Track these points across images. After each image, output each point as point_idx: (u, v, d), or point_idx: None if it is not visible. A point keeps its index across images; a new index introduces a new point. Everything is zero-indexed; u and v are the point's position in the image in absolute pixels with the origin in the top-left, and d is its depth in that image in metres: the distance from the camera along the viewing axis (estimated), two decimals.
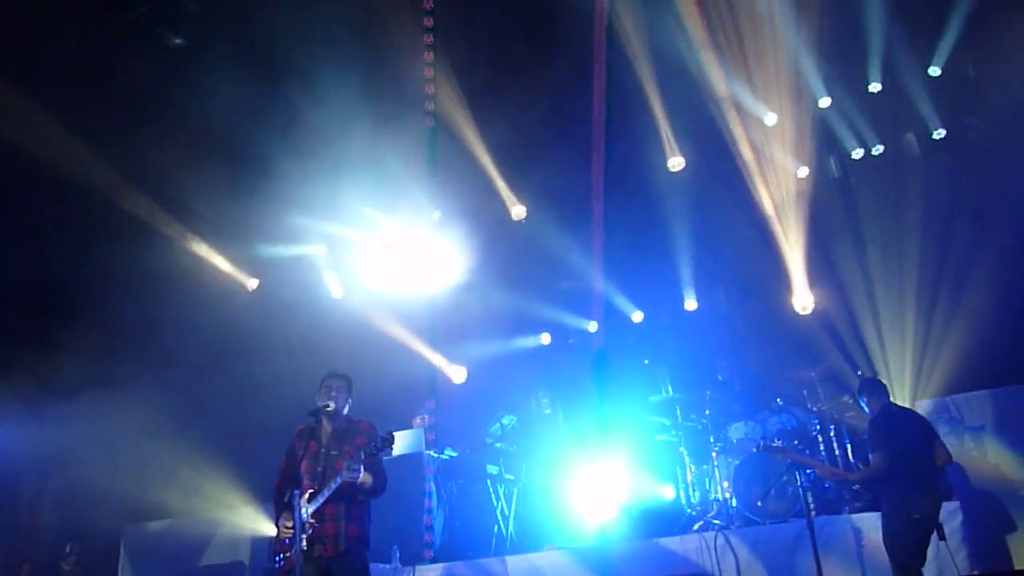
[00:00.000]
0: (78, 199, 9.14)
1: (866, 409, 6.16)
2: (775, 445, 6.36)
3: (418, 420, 8.98)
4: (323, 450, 5.22)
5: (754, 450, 6.90)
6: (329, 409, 5.24)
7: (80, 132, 8.84)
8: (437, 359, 10.57)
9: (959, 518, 6.15)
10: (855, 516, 6.47)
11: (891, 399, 6.25)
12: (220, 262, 10.94)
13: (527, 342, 10.54)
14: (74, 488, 10.40)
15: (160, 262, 10.27)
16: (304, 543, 4.90)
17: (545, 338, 10.47)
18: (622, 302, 10.09)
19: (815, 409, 7.59)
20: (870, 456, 5.93)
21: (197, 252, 10.71)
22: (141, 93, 8.64)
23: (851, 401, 7.69)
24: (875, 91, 8.99)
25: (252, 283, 11.24)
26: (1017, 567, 6.50)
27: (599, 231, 9.17)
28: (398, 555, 7.71)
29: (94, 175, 9.09)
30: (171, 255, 10.39)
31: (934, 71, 8.79)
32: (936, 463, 5.83)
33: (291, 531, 4.93)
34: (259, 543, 9.15)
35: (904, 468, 5.67)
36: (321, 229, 10.92)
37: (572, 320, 10.25)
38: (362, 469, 4.95)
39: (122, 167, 9.33)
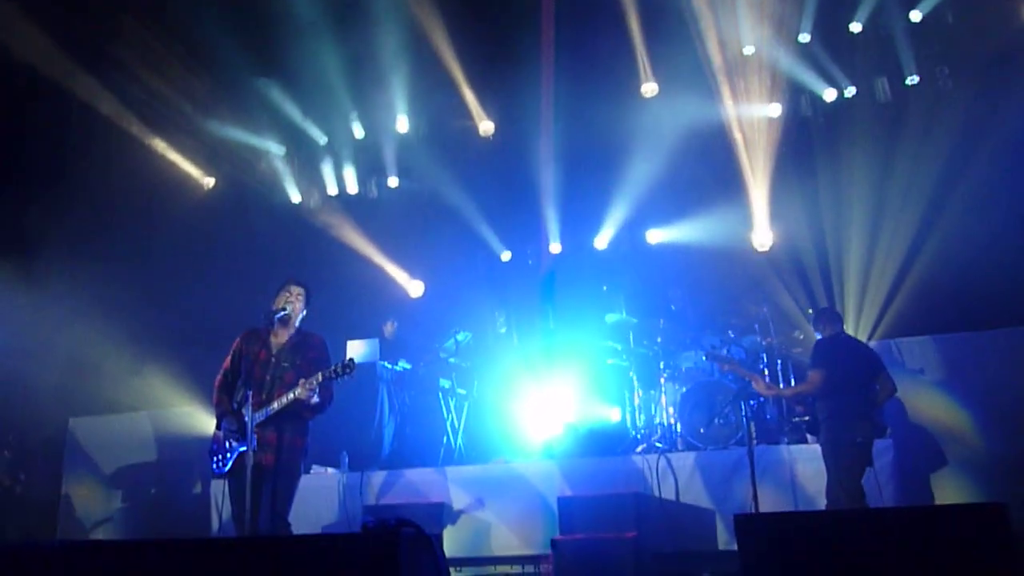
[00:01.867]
0: (38, 84, 8.69)
1: (817, 335, 6.30)
2: (722, 354, 6.52)
3: (388, 327, 8.99)
4: (273, 359, 5.16)
5: (703, 357, 7.12)
6: (283, 314, 5.17)
7: (46, 24, 8.37)
8: (395, 271, 10.53)
9: (891, 454, 6.43)
10: (793, 447, 6.73)
11: (842, 328, 6.40)
12: (177, 158, 10.62)
13: (487, 259, 10.50)
14: (17, 379, 10.24)
15: (116, 156, 9.93)
16: (243, 447, 4.88)
17: (505, 255, 10.45)
18: (587, 227, 10.07)
19: (764, 343, 7.77)
20: (808, 373, 6.12)
21: (155, 147, 10.37)
22: None
23: (800, 337, 7.90)
24: (855, 31, 8.91)
25: (208, 181, 10.96)
26: (930, 500, 6.85)
27: (548, 150, 9.11)
28: (347, 461, 7.82)
29: (55, 65, 8.62)
30: (128, 149, 10.04)
31: (915, 16, 8.73)
32: (880, 396, 6.01)
33: (235, 433, 4.92)
34: (206, 442, 9.17)
35: (844, 393, 5.83)
36: (282, 129, 10.65)
37: (535, 241, 10.23)
38: (316, 391, 4.93)
39: (84, 61, 8.88)
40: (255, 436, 4.88)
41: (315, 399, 4.97)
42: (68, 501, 9.52)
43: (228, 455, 5.01)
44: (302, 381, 4.92)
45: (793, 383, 7.54)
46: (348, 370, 4.90)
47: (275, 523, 4.91)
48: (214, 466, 5.10)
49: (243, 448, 4.86)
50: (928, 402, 7.20)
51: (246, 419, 4.85)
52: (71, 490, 9.54)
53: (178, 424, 9.60)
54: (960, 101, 8.49)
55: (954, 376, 7.24)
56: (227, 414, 5.07)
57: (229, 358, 5.25)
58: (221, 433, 5.11)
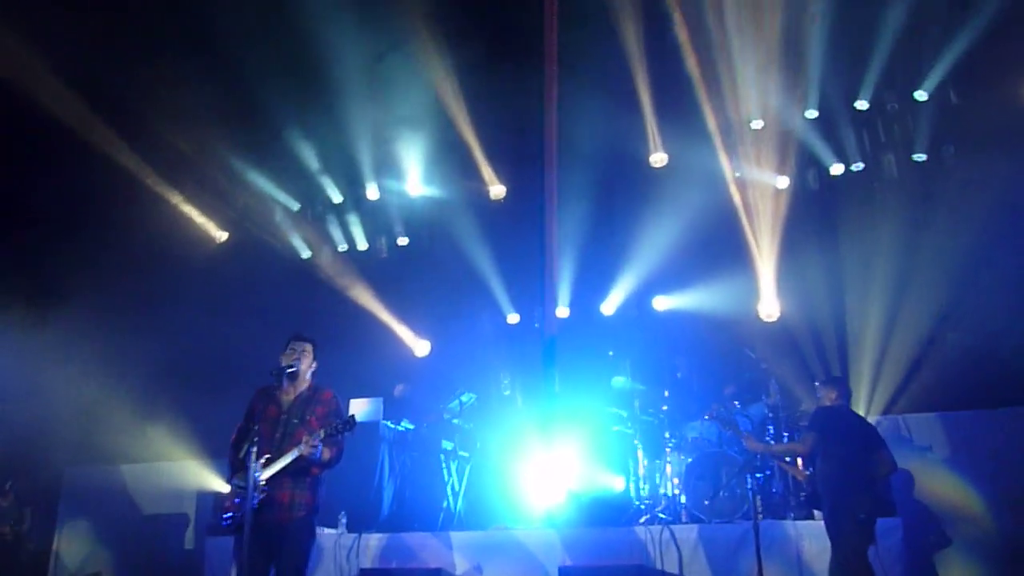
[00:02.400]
0: (52, 131, 8.88)
1: (821, 401, 6.24)
2: (721, 412, 6.49)
3: (399, 388, 8.98)
4: (283, 416, 5.15)
5: (705, 417, 7.04)
6: (291, 371, 5.18)
7: (60, 67, 8.61)
8: (402, 330, 10.55)
9: (899, 534, 6.30)
10: (800, 523, 6.60)
11: (849, 403, 6.35)
12: (190, 211, 10.75)
13: (494, 320, 10.53)
14: (17, 425, 10.19)
15: (132, 207, 10.07)
16: (252, 504, 4.86)
17: (513, 318, 10.47)
18: (594, 293, 10.12)
19: (771, 415, 7.69)
20: (802, 434, 6.04)
21: (167, 199, 10.51)
22: (131, 31, 8.40)
23: (807, 409, 7.83)
24: (861, 109, 9.08)
25: (220, 235, 11.08)
26: None
27: (552, 216, 9.20)
28: (345, 521, 7.70)
29: (77, 117, 8.84)
30: (138, 200, 10.19)
31: (921, 95, 8.91)
32: (880, 471, 5.92)
33: (243, 490, 4.89)
34: (204, 497, 9.09)
35: (842, 468, 5.75)
36: (298, 185, 10.82)
37: (541, 304, 10.26)
38: (321, 447, 4.91)
39: (105, 114, 9.10)
40: (265, 494, 4.86)
41: (321, 455, 4.93)
42: (60, 551, 9.37)
43: (237, 511, 4.96)
44: (305, 438, 4.90)
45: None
46: (348, 427, 4.90)
47: None
48: (224, 522, 5.05)
49: (253, 503, 4.84)
50: (937, 481, 7.11)
51: (253, 475, 4.84)
52: (64, 540, 9.43)
53: (175, 477, 9.53)
54: (966, 179, 8.58)
55: (963, 455, 7.17)
56: (239, 471, 5.04)
57: (244, 415, 5.25)
58: (232, 489, 5.07)
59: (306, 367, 5.28)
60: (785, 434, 7.59)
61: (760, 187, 9.38)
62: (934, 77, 8.66)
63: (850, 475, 5.72)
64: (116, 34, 8.35)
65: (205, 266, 10.53)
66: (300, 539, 5.00)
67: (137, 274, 10.09)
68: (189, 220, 10.79)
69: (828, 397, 6.14)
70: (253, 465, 4.80)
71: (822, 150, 9.43)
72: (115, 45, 8.49)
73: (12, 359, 9.45)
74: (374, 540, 7.40)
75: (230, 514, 5.02)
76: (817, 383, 6.35)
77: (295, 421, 5.12)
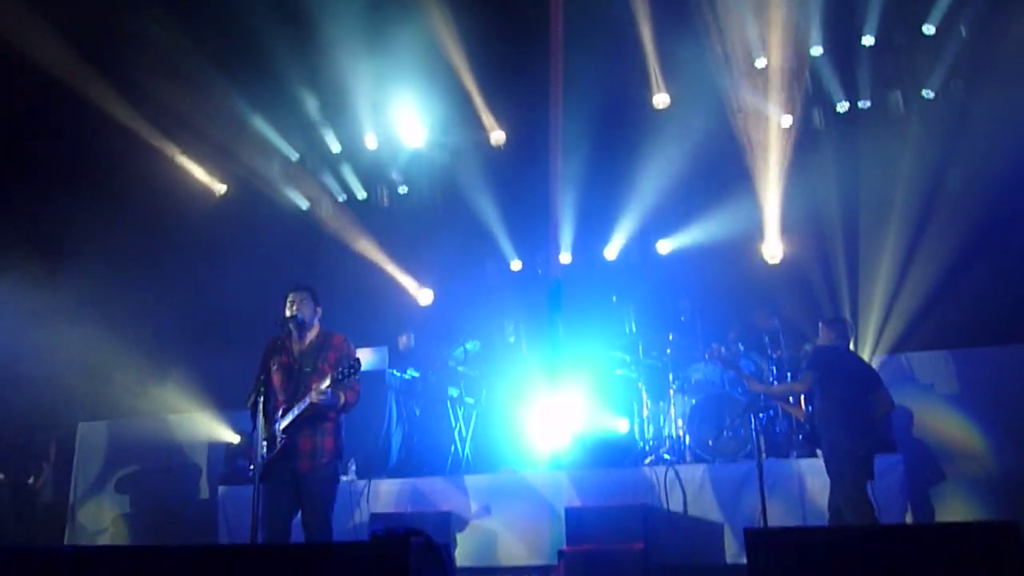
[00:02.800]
0: (51, 89, 8.77)
1: (820, 341, 6.28)
2: (723, 353, 6.54)
3: (403, 339, 9.03)
4: (296, 365, 5.20)
5: (705, 358, 7.10)
6: (297, 319, 5.21)
7: (57, 21, 8.47)
8: (405, 279, 10.56)
9: (900, 470, 6.39)
10: (801, 461, 6.70)
11: (848, 345, 6.37)
12: (190, 165, 10.67)
13: (497, 268, 10.53)
14: (30, 382, 10.30)
15: (125, 161, 9.99)
16: (271, 454, 4.95)
17: (516, 265, 10.47)
18: (597, 238, 10.09)
19: (775, 356, 7.74)
20: (800, 373, 6.10)
21: (166, 152, 10.43)
22: None
23: (811, 350, 7.86)
24: (868, 44, 8.90)
25: (220, 188, 11.03)
26: (939, 516, 6.80)
27: (556, 161, 9.13)
28: (355, 468, 7.83)
29: (73, 71, 8.71)
30: (137, 154, 10.10)
31: (928, 29, 8.71)
32: (877, 410, 5.98)
33: (265, 441, 4.98)
34: (216, 448, 9.22)
35: (841, 404, 5.80)
36: (294, 138, 10.71)
37: (545, 251, 10.24)
38: (330, 392, 4.96)
39: (101, 66, 8.97)
40: (285, 442, 4.94)
41: (334, 400, 4.99)
42: (77, 505, 9.55)
43: (260, 461, 5.04)
44: (315, 386, 4.95)
45: (802, 398, 7.50)
46: (353, 370, 4.93)
47: (321, 528, 4.96)
48: (249, 472, 5.16)
49: (268, 453, 4.94)
50: (939, 418, 7.17)
51: (275, 426, 4.95)
52: (80, 494, 9.58)
53: (187, 430, 9.64)
54: (977, 115, 8.44)
55: (965, 392, 7.21)
56: (259, 422, 5.11)
57: (258, 367, 5.29)
58: (254, 441, 5.15)
59: (310, 314, 5.30)
60: (788, 374, 7.64)
61: (764, 126, 9.25)
62: (941, 9, 8.43)
63: (848, 414, 5.77)
64: None
65: (206, 219, 10.49)
66: (325, 487, 5.09)
67: (140, 229, 10.06)
68: (188, 174, 10.71)
69: (827, 337, 6.16)
70: (266, 417, 4.88)
71: (828, 87, 9.28)
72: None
73: (21, 317, 9.50)
74: (384, 485, 7.54)
75: (254, 464, 5.10)
76: (821, 323, 6.36)
77: (307, 369, 5.16)
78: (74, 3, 8.22)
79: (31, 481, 9.71)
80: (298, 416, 5.00)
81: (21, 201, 9.85)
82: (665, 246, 9.96)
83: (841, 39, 9.00)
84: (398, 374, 8.64)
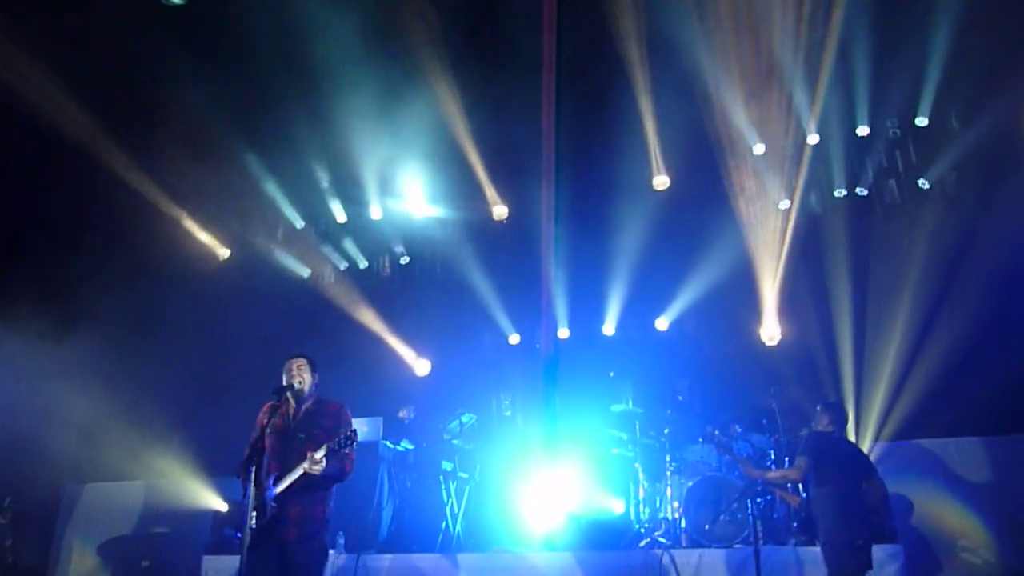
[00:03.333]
0: (62, 149, 8.96)
1: (815, 426, 6.23)
2: (717, 437, 6.47)
3: (403, 412, 8.96)
4: (290, 431, 5.15)
5: (700, 440, 7.02)
6: (295, 388, 5.18)
7: (71, 86, 8.73)
8: (403, 349, 10.55)
9: (900, 561, 6.26)
10: (800, 549, 6.55)
11: (844, 432, 6.33)
12: (194, 228, 10.78)
13: (495, 341, 10.53)
14: (15, 441, 10.17)
15: (128, 220, 10.10)
16: (261, 522, 4.85)
17: (514, 339, 10.47)
18: (596, 313, 10.13)
19: (772, 439, 7.68)
20: (795, 459, 6.03)
21: (171, 216, 10.55)
22: (138, 59, 8.52)
23: (805, 435, 7.79)
24: (863, 135, 9.12)
25: (223, 252, 11.11)
26: None
27: (550, 238, 9.23)
28: (343, 542, 7.66)
29: (74, 124, 8.93)
30: (143, 217, 10.23)
31: (921, 121, 8.94)
32: (872, 496, 5.90)
33: (253, 508, 4.88)
34: (203, 516, 9.02)
35: (834, 494, 5.74)
36: (300, 206, 10.86)
37: (543, 325, 10.26)
38: (326, 461, 4.90)
39: (111, 130, 9.20)
40: (275, 511, 4.84)
41: (327, 470, 4.92)
42: (58, 569, 9.31)
43: (248, 529, 4.93)
44: (309, 455, 4.89)
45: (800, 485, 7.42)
46: (350, 441, 4.88)
47: None
48: (235, 539, 5.04)
49: (257, 521, 4.83)
50: (940, 507, 7.07)
51: (266, 493, 4.87)
52: (61, 557, 9.35)
53: (175, 496, 9.48)
54: (970, 204, 8.59)
55: (967, 481, 7.12)
56: (253, 487, 5.02)
57: (254, 432, 5.24)
58: (242, 507, 5.05)
59: (307, 382, 5.28)
60: (786, 458, 7.56)
61: (763, 209, 9.40)
62: (933, 102, 8.68)
63: (844, 501, 5.72)
64: (126, 54, 8.46)
65: (207, 283, 10.54)
66: (312, 559, 4.97)
67: (139, 290, 10.09)
68: (192, 237, 10.81)
69: (822, 422, 6.14)
70: (257, 484, 4.80)
71: (825, 174, 9.47)
72: (124, 65, 8.65)
73: (14, 374, 9.46)
74: (373, 561, 7.36)
75: (241, 531, 4.99)
76: (819, 406, 6.35)
77: (301, 436, 5.10)
78: (95, 74, 8.49)
79: (12, 543, 9.48)
80: (291, 484, 4.92)
81: (21, 260, 9.94)
82: (663, 323, 9.99)
83: (837, 129, 9.23)
84: (391, 445, 8.55)
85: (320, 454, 4.86)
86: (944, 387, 8.03)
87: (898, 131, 9.16)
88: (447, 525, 8.11)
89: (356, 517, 7.97)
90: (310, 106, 9.10)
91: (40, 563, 9.58)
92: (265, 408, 5.27)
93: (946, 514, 7.00)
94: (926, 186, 9.01)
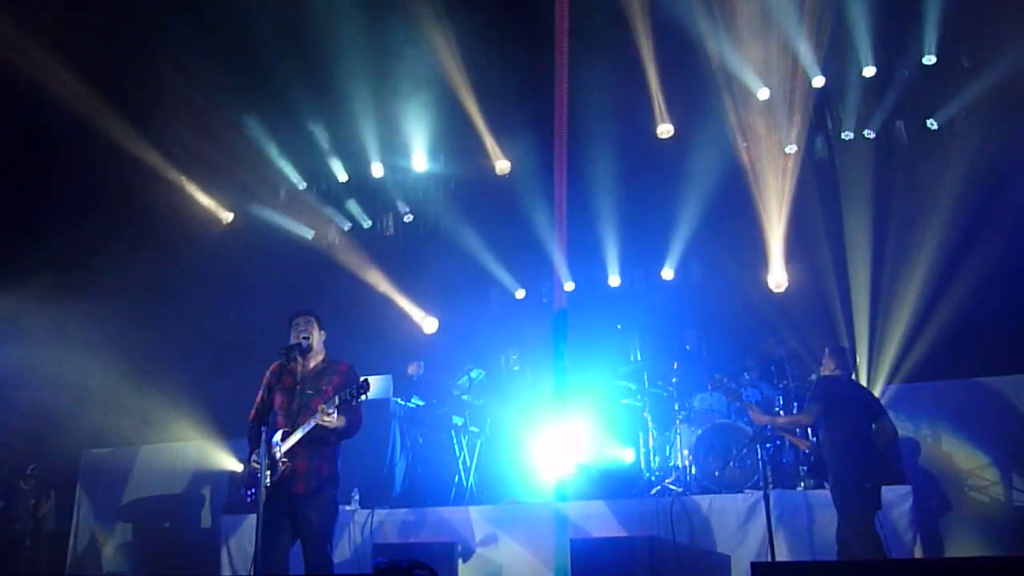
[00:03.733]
0: (61, 119, 8.91)
1: (822, 370, 6.26)
2: (725, 383, 6.52)
3: (412, 367, 9.01)
4: (298, 387, 5.19)
5: (708, 388, 7.07)
6: (304, 346, 5.21)
7: (71, 56, 8.66)
8: (410, 308, 10.57)
9: (909, 502, 6.31)
10: (808, 492, 6.63)
11: (851, 375, 6.34)
12: (197, 193, 10.74)
13: (501, 296, 10.54)
14: (36, 409, 10.31)
15: (133, 188, 10.07)
16: (273, 478, 4.92)
17: (520, 293, 10.47)
18: (601, 264, 10.10)
19: (780, 385, 7.70)
20: (804, 404, 6.07)
21: (174, 182, 10.51)
22: (130, 13, 8.42)
23: (815, 381, 7.82)
24: (869, 76, 8.95)
25: (227, 216, 11.09)
26: (948, 549, 6.71)
27: (561, 190, 9.16)
28: (358, 498, 7.77)
29: (77, 96, 8.87)
30: (147, 183, 10.19)
31: (929, 60, 8.76)
32: (881, 440, 5.93)
33: (263, 465, 4.94)
34: (220, 477, 9.19)
35: (844, 437, 5.78)
36: (301, 167, 10.79)
37: (549, 278, 10.25)
38: (336, 413, 4.94)
39: (109, 94, 9.11)
40: (283, 466, 4.91)
41: (337, 423, 4.97)
42: (80, 533, 9.51)
43: (262, 487, 5.00)
44: (321, 407, 4.93)
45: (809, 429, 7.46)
46: (362, 391, 4.91)
47: (320, 560, 4.92)
48: (247, 498, 5.10)
49: (270, 479, 4.89)
50: (947, 448, 7.11)
51: (273, 449, 4.91)
52: (82, 523, 9.54)
53: (190, 458, 9.62)
54: (980, 144, 8.46)
55: (975, 422, 7.15)
56: (258, 447, 5.08)
57: (260, 391, 5.29)
58: (252, 466, 5.12)
59: (316, 339, 5.30)
60: (795, 403, 7.59)
61: (768, 154, 9.28)
62: (941, 40, 8.49)
63: (853, 444, 5.75)
64: (124, 21, 8.38)
65: (213, 247, 10.54)
66: (321, 515, 5.03)
67: (148, 257, 10.12)
68: (196, 202, 10.78)
69: (829, 367, 6.15)
70: (266, 439, 4.85)
71: (831, 117, 9.33)
72: (123, 31, 8.57)
73: (29, 344, 9.55)
74: (388, 516, 7.48)
75: (252, 490, 5.06)
76: (826, 350, 6.35)
77: (310, 392, 5.15)
78: (96, 46, 8.43)
79: (34, 509, 9.67)
80: (301, 438, 4.98)
81: (29, 230, 9.95)
82: (669, 273, 9.96)
83: (843, 70, 9.05)
84: (402, 402, 8.62)
85: (332, 405, 4.91)
86: (952, 329, 8.01)
87: (906, 71, 8.99)
88: (460, 479, 8.22)
89: (370, 473, 8.07)
90: (308, 66, 8.99)
91: (64, 527, 9.78)
92: (273, 367, 5.30)
93: (954, 454, 7.04)
94: (935, 127, 8.86)
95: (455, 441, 8.46)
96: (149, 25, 8.65)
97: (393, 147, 10.36)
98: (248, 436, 5.29)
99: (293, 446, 4.99)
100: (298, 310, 5.41)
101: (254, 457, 5.11)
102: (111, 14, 8.34)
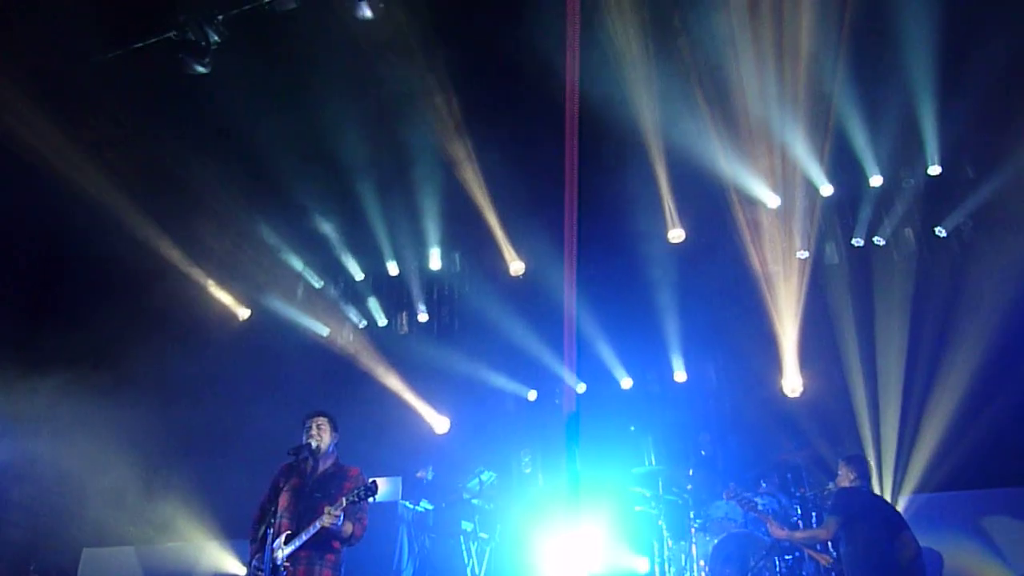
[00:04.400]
0: (84, 210, 9.19)
1: (840, 481, 6.12)
2: (742, 494, 6.34)
3: (421, 472, 8.89)
4: (306, 489, 5.13)
5: (724, 497, 6.89)
6: (313, 447, 5.17)
7: (84, 146, 9.03)
8: (421, 407, 10.51)
9: None
10: None
11: (870, 485, 6.20)
12: (215, 290, 10.90)
13: (514, 398, 10.48)
14: (39, 505, 10.17)
15: (148, 285, 10.25)
16: None
17: (532, 395, 10.42)
18: (613, 367, 10.07)
19: (798, 494, 7.52)
20: (824, 517, 5.90)
21: (191, 276, 10.69)
22: (156, 118, 8.82)
23: (835, 489, 7.63)
24: (876, 185, 9.15)
25: (244, 313, 11.20)
26: None
27: (571, 293, 9.22)
28: None
29: (111, 198, 9.21)
30: (163, 278, 10.37)
31: (934, 170, 8.96)
32: (903, 554, 5.74)
33: (261, 572, 4.82)
34: None
35: (865, 551, 5.62)
36: (318, 266, 10.98)
37: (561, 380, 10.20)
38: (343, 517, 4.86)
39: (140, 199, 9.45)
40: (286, 571, 4.79)
41: (344, 526, 4.86)
42: None
43: None
44: (327, 508, 4.85)
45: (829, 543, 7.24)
46: (370, 492, 4.83)
47: None
48: None
49: None
50: (971, 561, 6.85)
51: (275, 552, 4.81)
52: None
53: (190, 559, 9.39)
54: (986, 252, 8.55)
55: (998, 533, 6.91)
56: (260, 550, 4.97)
57: (267, 492, 5.22)
58: (252, 570, 5.00)
59: (327, 441, 5.27)
60: (813, 513, 7.39)
61: (780, 260, 9.39)
62: (944, 150, 8.72)
63: (875, 558, 5.58)
64: (150, 128, 8.79)
65: (228, 344, 10.61)
66: None
67: (162, 353, 10.18)
68: (213, 299, 10.92)
69: (847, 478, 6.04)
70: (270, 542, 4.76)
71: (841, 225, 9.48)
72: (148, 126, 8.96)
73: (37, 442, 9.53)
74: None
75: None
76: (840, 461, 6.25)
77: (318, 495, 5.08)
78: (127, 149, 8.80)
79: None
80: (304, 542, 4.87)
81: (58, 322, 10.11)
82: (682, 376, 9.91)
83: (850, 180, 9.27)
84: (411, 506, 8.45)
85: (339, 507, 4.82)
86: (972, 438, 7.87)
87: (911, 180, 9.19)
88: None
89: None
90: (326, 168, 9.29)
91: None
92: (282, 468, 5.25)
93: (980, 567, 6.78)
94: (943, 234, 8.99)
95: (464, 547, 8.24)
96: (174, 124, 9.04)
97: (409, 246, 10.55)
98: (250, 539, 5.19)
99: (296, 550, 4.88)
100: (313, 411, 5.40)
101: (255, 562, 4.99)
102: (136, 114, 8.74)
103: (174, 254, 10.21)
